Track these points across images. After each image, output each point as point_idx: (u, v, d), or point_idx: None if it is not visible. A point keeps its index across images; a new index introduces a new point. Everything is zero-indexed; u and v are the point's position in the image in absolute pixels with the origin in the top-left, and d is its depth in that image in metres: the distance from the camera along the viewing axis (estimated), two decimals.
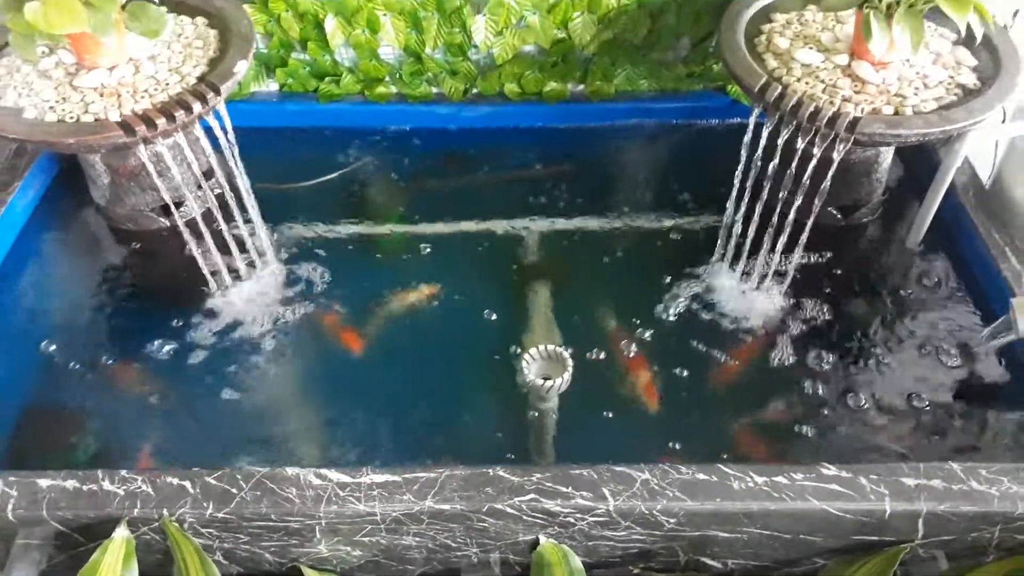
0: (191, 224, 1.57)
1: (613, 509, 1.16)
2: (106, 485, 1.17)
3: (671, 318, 1.60)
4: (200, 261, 1.59)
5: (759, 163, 1.54)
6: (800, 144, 1.46)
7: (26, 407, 1.48)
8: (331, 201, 1.86)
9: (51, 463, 1.31)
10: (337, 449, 1.43)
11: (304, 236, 1.77)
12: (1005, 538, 1.20)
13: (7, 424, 1.44)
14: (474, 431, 1.46)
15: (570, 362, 1.39)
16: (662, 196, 1.87)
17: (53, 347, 1.55)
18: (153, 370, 1.52)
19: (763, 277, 1.63)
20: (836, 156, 1.42)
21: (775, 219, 1.55)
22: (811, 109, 1.40)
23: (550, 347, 1.41)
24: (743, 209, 1.60)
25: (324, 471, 1.19)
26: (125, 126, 1.39)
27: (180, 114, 1.41)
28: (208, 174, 1.63)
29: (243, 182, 1.60)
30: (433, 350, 1.58)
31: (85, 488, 1.17)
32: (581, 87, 1.99)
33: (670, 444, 1.42)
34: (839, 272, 1.68)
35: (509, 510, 1.16)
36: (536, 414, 1.45)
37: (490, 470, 1.19)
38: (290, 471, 1.19)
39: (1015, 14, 1.64)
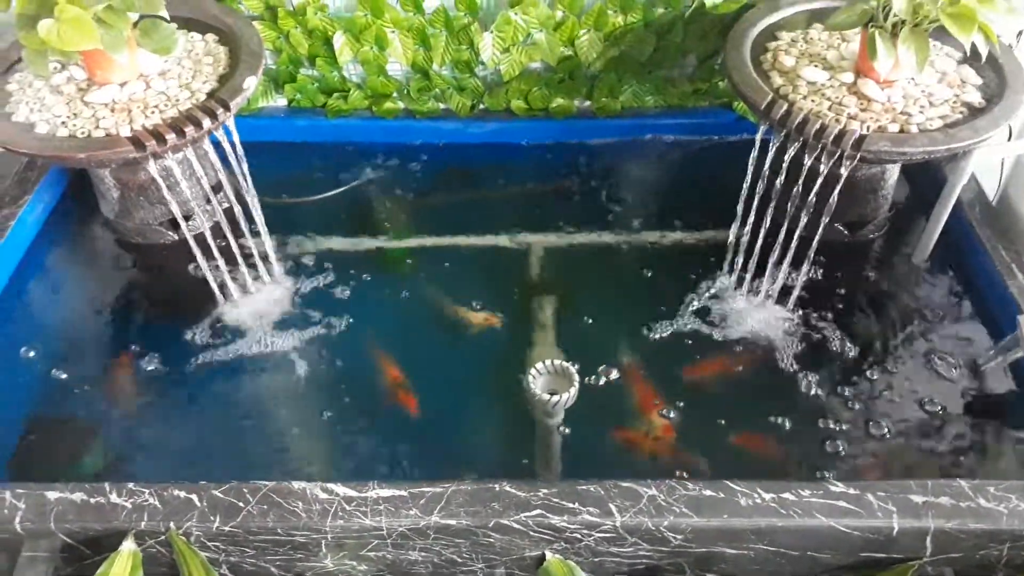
0: (199, 238, 1.58)
1: (620, 525, 1.16)
2: (113, 498, 1.17)
3: (677, 333, 1.60)
4: (208, 274, 1.59)
5: (765, 179, 1.55)
6: (807, 161, 1.47)
7: (34, 419, 1.48)
8: (338, 216, 1.87)
9: (58, 476, 1.31)
10: (338, 460, 1.44)
11: (311, 250, 1.77)
12: (1013, 556, 1.19)
13: (15, 436, 1.44)
14: (478, 446, 1.46)
15: (576, 377, 1.39)
16: (668, 212, 1.87)
17: (61, 359, 1.56)
18: (160, 382, 1.53)
19: (770, 293, 1.63)
20: (843, 173, 1.43)
21: (782, 235, 1.56)
22: (817, 126, 1.41)
23: (556, 362, 1.41)
24: (750, 225, 1.60)
25: (331, 485, 1.19)
26: (135, 141, 1.40)
27: (190, 129, 1.42)
28: (217, 188, 1.64)
29: (251, 196, 1.61)
30: (437, 362, 1.58)
31: (92, 501, 1.17)
32: (587, 103, 2.00)
33: (674, 457, 1.42)
34: (845, 288, 1.68)
35: (515, 525, 1.16)
36: (542, 429, 1.45)
37: (496, 485, 1.19)
38: (296, 485, 1.19)
39: (1020, 33, 1.64)
